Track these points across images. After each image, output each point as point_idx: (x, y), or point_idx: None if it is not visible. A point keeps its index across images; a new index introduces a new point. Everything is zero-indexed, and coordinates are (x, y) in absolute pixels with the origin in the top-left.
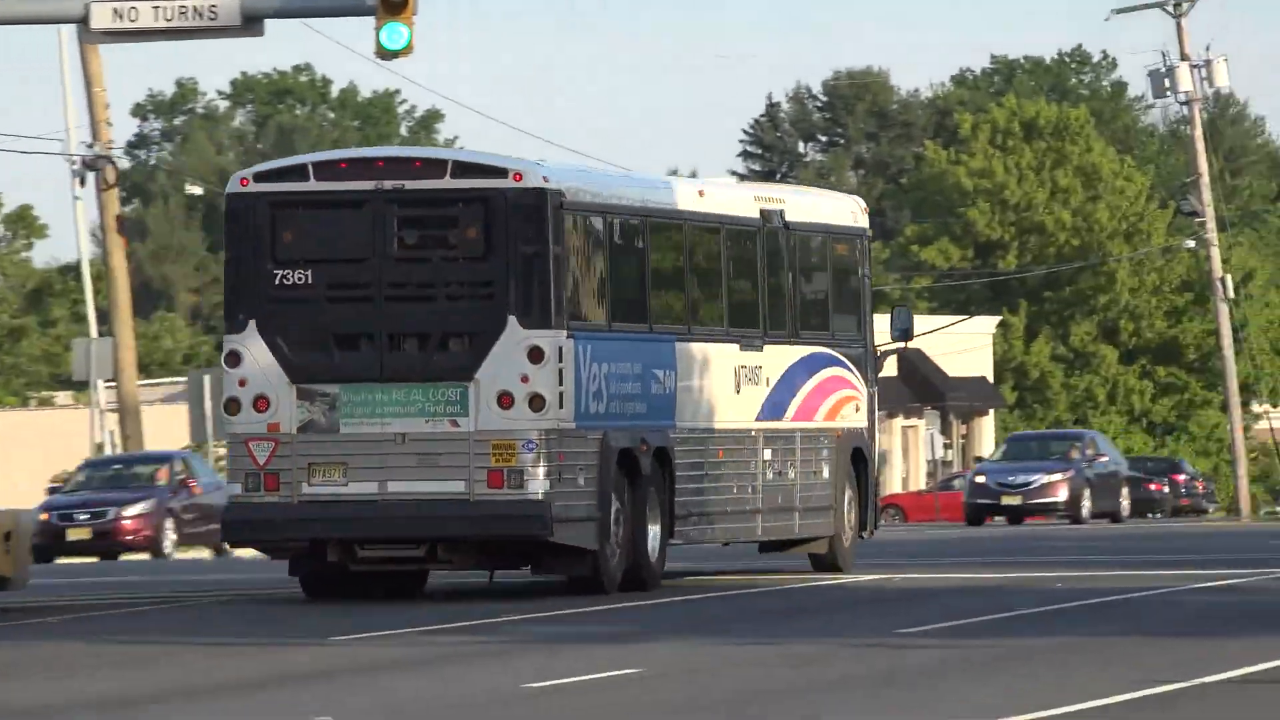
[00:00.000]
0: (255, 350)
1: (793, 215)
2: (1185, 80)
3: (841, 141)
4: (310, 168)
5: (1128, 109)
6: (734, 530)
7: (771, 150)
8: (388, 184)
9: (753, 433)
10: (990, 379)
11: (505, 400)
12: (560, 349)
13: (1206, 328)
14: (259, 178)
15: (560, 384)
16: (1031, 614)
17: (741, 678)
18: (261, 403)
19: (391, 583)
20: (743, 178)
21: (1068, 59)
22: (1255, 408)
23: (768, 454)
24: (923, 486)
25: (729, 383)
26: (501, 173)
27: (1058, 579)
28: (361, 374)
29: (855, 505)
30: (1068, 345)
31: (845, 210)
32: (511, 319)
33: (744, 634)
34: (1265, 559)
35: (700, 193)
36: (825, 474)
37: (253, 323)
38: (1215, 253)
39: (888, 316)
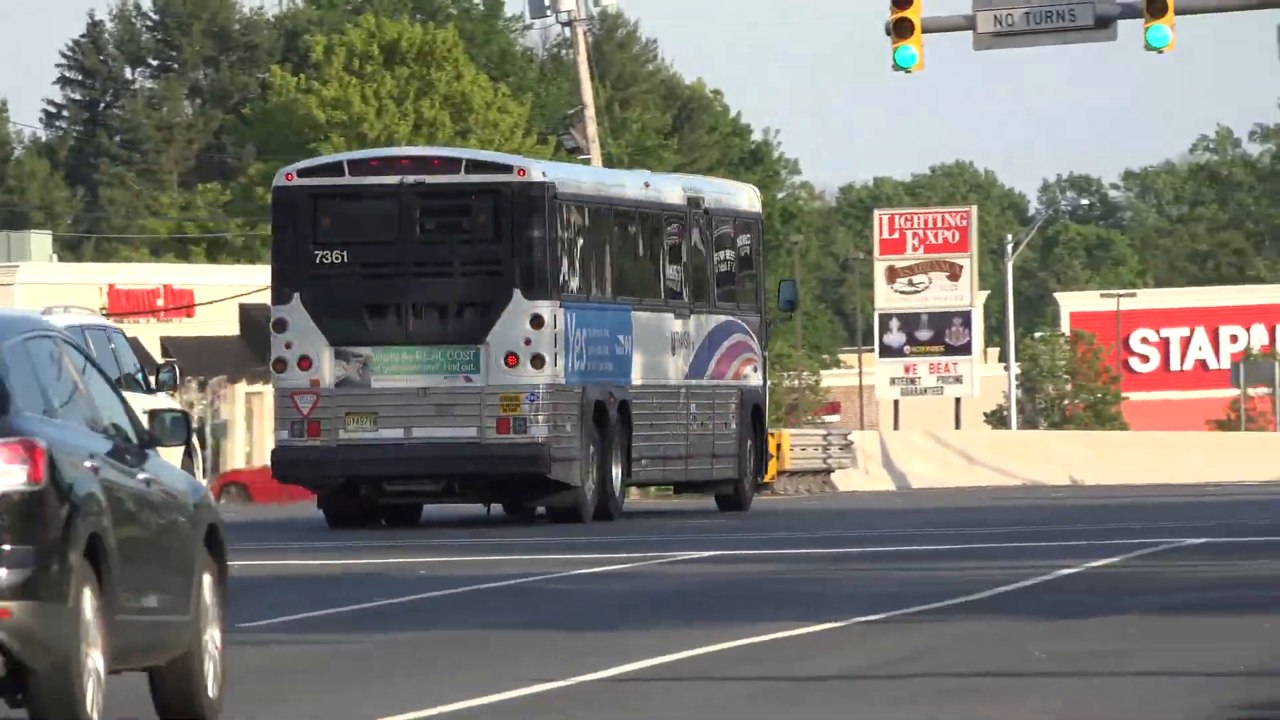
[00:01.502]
0: (299, 318)
1: (709, 202)
2: None
3: (175, 66)
4: (345, 165)
5: (503, 30)
6: (671, 472)
7: (94, 76)
8: (411, 178)
9: (683, 389)
10: None
11: (511, 360)
12: (555, 316)
13: None
14: (301, 173)
15: (555, 346)
16: (390, 605)
17: None
18: (304, 362)
19: (393, 514)
20: (60, 108)
21: None
22: None
23: (693, 407)
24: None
25: (667, 346)
26: (507, 169)
27: (421, 565)
28: (390, 338)
29: (754, 453)
30: None
31: (745, 197)
32: (516, 291)
33: None
34: (646, 542)
35: (645, 184)
36: (733, 425)
37: (297, 295)
38: None
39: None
